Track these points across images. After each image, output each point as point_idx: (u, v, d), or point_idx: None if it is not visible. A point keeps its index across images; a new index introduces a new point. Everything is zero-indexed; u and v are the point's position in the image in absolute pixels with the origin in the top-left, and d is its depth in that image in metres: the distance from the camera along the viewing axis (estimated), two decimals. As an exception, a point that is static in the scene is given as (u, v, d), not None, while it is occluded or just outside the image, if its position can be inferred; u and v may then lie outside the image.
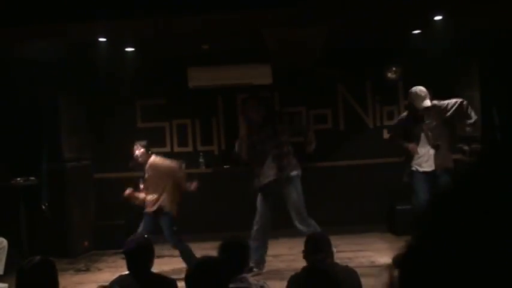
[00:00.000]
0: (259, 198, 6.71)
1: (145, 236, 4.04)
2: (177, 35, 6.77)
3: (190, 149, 9.09)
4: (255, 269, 6.47)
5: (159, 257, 6.76)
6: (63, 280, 5.40)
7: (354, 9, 5.76)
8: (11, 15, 5.55)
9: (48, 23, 5.59)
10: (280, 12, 5.56)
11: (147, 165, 6.86)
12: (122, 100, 8.92)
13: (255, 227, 6.69)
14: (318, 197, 8.76)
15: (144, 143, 6.94)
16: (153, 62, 8.32)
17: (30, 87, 7.80)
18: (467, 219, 0.69)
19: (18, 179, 7.76)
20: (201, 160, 8.96)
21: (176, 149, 9.06)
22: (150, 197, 6.80)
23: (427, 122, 6.52)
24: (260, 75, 8.40)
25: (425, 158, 6.56)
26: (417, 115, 6.55)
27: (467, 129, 6.61)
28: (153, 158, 6.91)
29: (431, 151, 6.51)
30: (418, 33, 7.57)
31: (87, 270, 7.59)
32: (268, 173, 6.60)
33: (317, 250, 3.84)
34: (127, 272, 3.91)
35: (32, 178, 7.83)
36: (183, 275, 3.23)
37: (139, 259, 3.84)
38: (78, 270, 7.52)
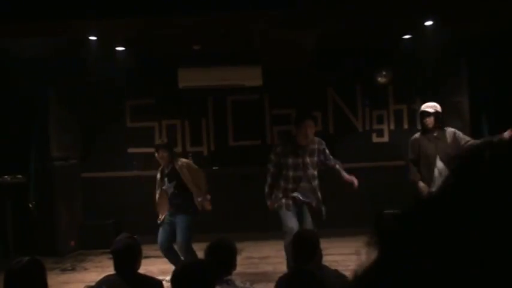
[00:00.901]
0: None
1: (134, 236, 4.01)
2: (168, 35, 6.76)
3: (179, 149, 9.06)
4: None
5: (145, 257, 6.74)
6: (49, 279, 5.32)
7: (346, 13, 5.78)
8: (1, 12, 5.52)
9: (39, 21, 5.56)
10: (272, 14, 5.57)
11: (180, 165, 6.72)
12: (111, 99, 8.90)
13: None
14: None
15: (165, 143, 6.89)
16: (144, 62, 8.30)
17: (20, 84, 7.76)
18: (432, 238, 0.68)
19: (6, 176, 7.72)
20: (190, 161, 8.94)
21: (165, 149, 9.02)
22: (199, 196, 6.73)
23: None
24: (250, 76, 8.40)
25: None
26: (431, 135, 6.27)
27: None
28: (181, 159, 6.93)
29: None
30: (409, 38, 7.60)
31: (74, 269, 7.55)
32: None
33: (303, 249, 3.86)
34: (114, 272, 3.89)
35: (20, 176, 7.79)
36: (168, 276, 3.22)
37: (127, 259, 3.82)
38: (65, 270, 7.48)
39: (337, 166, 6.49)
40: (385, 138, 9.04)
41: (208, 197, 6.82)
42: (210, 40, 7.34)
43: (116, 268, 3.84)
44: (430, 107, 6.28)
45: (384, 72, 8.56)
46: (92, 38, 6.92)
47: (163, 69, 8.50)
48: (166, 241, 6.64)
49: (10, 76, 7.71)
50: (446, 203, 0.69)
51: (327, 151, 6.49)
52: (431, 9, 6.06)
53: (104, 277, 3.92)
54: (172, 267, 6.96)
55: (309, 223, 6.36)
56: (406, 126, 9.01)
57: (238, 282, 3.70)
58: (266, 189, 6.49)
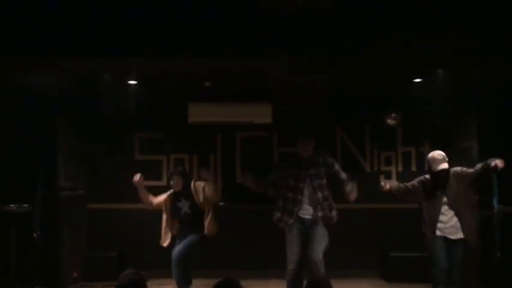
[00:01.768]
0: None
1: (139, 272, 3.99)
2: (181, 74, 6.86)
3: (186, 184, 9.05)
4: None
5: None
6: (50, 311, 5.32)
7: (358, 58, 5.84)
8: (13, 45, 5.61)
9: (50, 56, 5.64)
10: (285, 60, 5.63)
11: (197, 187, 7.05)
12: (121, 131, 8.93)
13: None
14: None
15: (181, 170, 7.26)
16: (154, 96, 8.35)
17: (29, 114, 7.80)
18: None
19: (12, 205, 7.70)
20: (196, 196, 8.92)
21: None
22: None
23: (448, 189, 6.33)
24: (260, 114, 8.43)
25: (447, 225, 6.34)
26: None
27: None
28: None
29: (455, 219, 6.32)
30: (419, 81, 7.64)
31: (76, 302, 7.48)
32: None
33: None
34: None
35: (26, 205, 7.77)
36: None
37: (131, 295, 3.79)
38: (66, 302, 7.42)
39: (348, 178, 6.69)
40: (393, 180, 9.02)
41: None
42: (221, 77, 7.41)
43: (120, 304, 3.81)
44: (444, 160, 6.34)
45: (393, 115, 8.58)
46: (104, 73, 7.01)
47: (174, 104, 8.55)
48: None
49: (19, 105, 7.77)
50: None
51: (336, 166, 6.71)
52: (442, 57, 6.12)
53: (108, 313, 3.88)
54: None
55: (315, 249, 6.34)
56: (414, 168, 8.99)
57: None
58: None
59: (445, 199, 6.30)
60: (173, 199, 7.11)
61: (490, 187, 7.78)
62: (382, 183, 6.79)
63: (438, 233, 6.29)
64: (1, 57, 5.79)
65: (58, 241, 8.24)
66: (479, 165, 6.39)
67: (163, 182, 9.02)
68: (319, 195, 6.48)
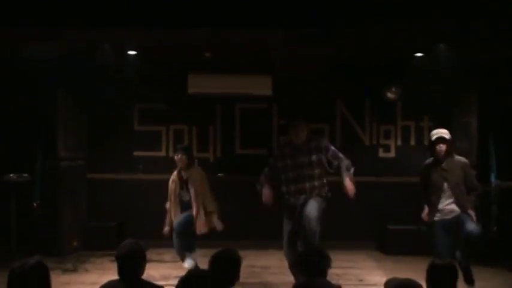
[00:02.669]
0: None
1: (138, 241, 4.01)
2: (182, 44, 6.81)
3: (185, 155, 9.08)
4: None
5: (147, 262, 6.74)
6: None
7: (359, 32, 5.81)
8: (14, 16, 5.57)
9: (51, 27, 5.60)
10: (286, 32, 5.60)
11: (196, 174, 7.01)
12: (120, 102, 8.92)
13: None
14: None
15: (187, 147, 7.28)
16: (154, 66, 8.33)
17: (29, 84, 7.79)
18: None
19: (11, 175, 7.74)
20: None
21: (171, 153, 9.04)
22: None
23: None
24: (260, 85, 8.40)
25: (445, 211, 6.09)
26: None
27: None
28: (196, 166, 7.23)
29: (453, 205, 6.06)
30: (420, 56, 7.60)
31: (75, 270, 7.55)
32: None
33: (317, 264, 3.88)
34: (116, 278, 3.90)
35: (25, 175, 7.81)
36: (171, 281, 3.22)
37: (131, 265, 3.81)
38: (66, 270, 7.48)
39: (343, 167, 6.43)
40: (392, 154, 9.05)
41: (215, 218, 7.09)
42: (221, 48, 7.37)
43: (119, 273, 3.84)
44: (445, 133, 6.06)
45: (393, 88, 8.57)
46: (105, 44, 6.97)
47: (174, 75, 8.52)
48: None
49: (20, 75, 7.75)
50: None
51: (332, 149, 6.45)
52: (444, 33, 6.09)
53: (107, 282, 3.91)
54: (173, 272, 6.99)
55: (310, 210, 6.27)
56: (413, 142, 9.02)
57: (241, 294, 3.71)
58: (258, 186, 6.53)
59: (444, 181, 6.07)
60: (177, 187, 7.05)
61: (488, 162, 7.83)
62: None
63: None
64: (1, 29, 5.75)
65: (58, 211, 8.29)
66: (473, 197, 6.15)
67: (163, 153, 9.06)
68: (307, 185, 6.35)
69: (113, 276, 3.93)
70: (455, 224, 6.01)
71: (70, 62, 7.87)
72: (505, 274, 7.38)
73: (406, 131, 9.04)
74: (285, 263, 6.79)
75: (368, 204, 8.72)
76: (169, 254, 8.10)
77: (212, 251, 3.92)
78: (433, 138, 6.06)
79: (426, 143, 8.86)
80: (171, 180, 7.14)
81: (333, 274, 6.70)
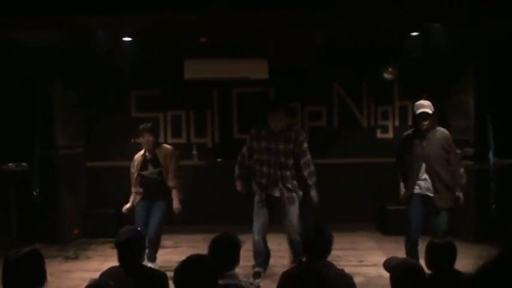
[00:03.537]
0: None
1: (137, 228, 4.03)
2: (176, 29, 6.78)
3: (183, 140, 9.09)
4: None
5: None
6: (51, 267, 5.39)
7: (354, 12, 5.78)
8: (8, 4, 5.55)
9: (46, 15, 5.58)
10: (282, 15, 5.58)
11: (166, 152, 6.83)
12: (117, 89, 8.91)
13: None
14: (309, 193, 8.79)
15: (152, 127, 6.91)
16: (150, 52, 8.30)
17: (26, 72, 7.76)
18: None
19: (10, 164, 7.74)
20: (194, 152, 8.97)
21: (170, 140, 9.05)
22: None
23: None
24: (257, 69, 8.39)
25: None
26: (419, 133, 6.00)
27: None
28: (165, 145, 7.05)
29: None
30: (416, 35, 7.59)
31: (76, 258, 7.59)
32: None
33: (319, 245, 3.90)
34: (117, 264, 3.92)
35: (24, 164, 7.82)
36: (172, 267, 3.23)
37: (130, 252, 3.84)
38: (67, 258, 7.52)
39: (306, 175, 6.37)
40: (390, 135, 9.05)
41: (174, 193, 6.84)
42: (217, 33, 7.35)
43: (120, 260, 3.86)
44: (428, 106, 5.93)
45: (390, 69, 8.55)
46: (99, 31, 6.95)
47: (170, 60, 8.50)
48: (143, 224, 6.63)
49: (16, 64, 7.72)
50: None
51: (304, 146, 6.36)
52: (439, 11, 6.06)
53: (108, 269, 3.94)
54: (174, 257, 7.02)
55: (290, 219, 6.31)
56: (410, 122, 8.99)
57: (241, 277, 3.73)
58: (236, 171, 6.59)
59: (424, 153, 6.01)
60: (143, 163, 6.83)
61: (486, 140, 7.84)
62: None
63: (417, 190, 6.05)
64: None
65: (57, 199, 8.31)
66: (459, 172, 6.07)
67: (161, 139, 9.04)
68: (279, 172, 6.30)
69: (115, 262, 3.95)
70: (430, 206, 6.01)
71: (66, 50, 7.85)
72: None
73: (403, 111, 9.04)
74: (284, 247, 6.82)
75: (367, 185, 8.75)
76: (170, 240, 8.14)
77: (212, 236, 3.93)
78: (417, 112, 5.95)
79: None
80: (135, 164, 6.89)
81: (334, 256, 6.74)
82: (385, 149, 8.94)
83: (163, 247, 7.93)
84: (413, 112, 6.11)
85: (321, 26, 6.41)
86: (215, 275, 3.18)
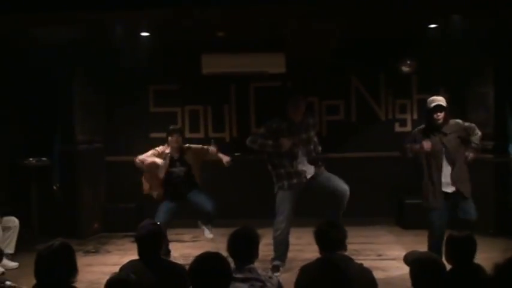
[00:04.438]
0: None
1: (157, 222, 4.07)
2: (194, 23, 6.79)
3: (201, 135, 9.11)
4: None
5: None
6: (73, 262, 5.44)
7: (372, 4, 5.74)
8: (27, 1, 5.60)
9: (64, 10, 5.62)
10: (299, 7, 5.56)
11: (189, 151, 7.07)
12: (135, 84, 8.96)
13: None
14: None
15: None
16: (168, 47, 8.33)
17: (46, 68, 7.83)
18: None
19: (31, 159, 7.83)
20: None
21: (188, 134, 9.07)
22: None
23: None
24: (274, 63, 8.39)
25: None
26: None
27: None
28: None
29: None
30: (434, 27, 7.53)
31: (97, 252, 7.67)
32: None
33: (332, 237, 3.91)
34: (137, 258, 3.95)
35: (44, 159, 7.90)
36: (190, 260, 3.25)
37: (150, 246, 3.87)
38: (87, 252, 7.60)
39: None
40: (408, 128, 8.98)
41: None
42: (234, 27, 7.35)
43: (139, 254, 3.90)
44: (441, 100, 5.93)
45: (408, 62, 8.50)
46: (118, 26, 6.99)
47: (187, 55, 8.52)
48: (164, 220, 6.67)
49: (36, 60, 7.80)
50: None
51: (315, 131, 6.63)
52: (458, 2, 6.01)
53: (128, 262, 3.97)
54: (192, 252, 7.05)
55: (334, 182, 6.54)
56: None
57: (260, 271, 3.74)
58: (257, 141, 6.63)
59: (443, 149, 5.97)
60: (171, 161, 7.01)
61: (506, 133, 7.77)
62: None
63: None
64: (17, 14, 5.78)
65: (77, 193, 8.39)
66: (476, 140, 6.01)
67: (179, 134, 9.09)
68: (308, 159, 6.48)
69: (134, 256, 3.99)
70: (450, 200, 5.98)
71: (85, 46, 7.91)
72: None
73: (422, 104, 8.92)
74: (303, 241, 6.83)
75: (386, 179, 8.71)
76: (189, 234, 8.19)
77: (230, 230, 3.95)
78: (431, 105, 5.92)
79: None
80: (163, 156, 7.02)
81: (352, 250, 6.74)
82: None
83: (182, 241, 8.00)
84: (427, 107, 6.04)
85: (339, 18, 6.38)
86: (229, 273, 3.19)
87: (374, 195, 8.66)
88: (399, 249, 7.14)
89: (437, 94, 8.74)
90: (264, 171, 8.31)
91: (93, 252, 7.65)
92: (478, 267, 3.75)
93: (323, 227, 3.96)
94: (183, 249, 7.44)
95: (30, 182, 7.85)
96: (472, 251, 3.81)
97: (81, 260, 7.12)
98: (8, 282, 4.99)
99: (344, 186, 6.54)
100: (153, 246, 3.88)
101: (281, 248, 6.53)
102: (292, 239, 6.84)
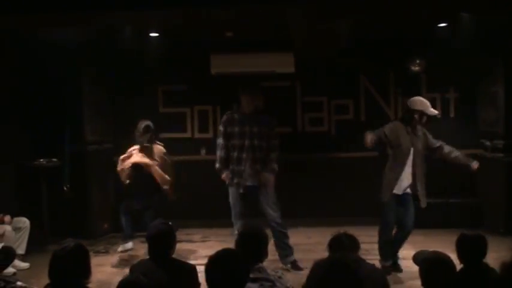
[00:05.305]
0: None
1: (168, 222, 4.08)
2: (203, 24, 6.80)
3: (210, 135, 9.11)
4: None
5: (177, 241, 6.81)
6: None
7: (381, 3, 5.73)
8: (36, 2, 5.62)
9: (74, 11, 5.64)
10: (308, 6, 5.55)
11: (162, 151, 7.32)
12: (144, 85, 8.97)
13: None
14: (336, 188, 8.77)
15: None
16: (177, 48, 8.35)
17: (55, 69, 7.86)
18: None
19: (41, 160, 7.87)
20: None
21: (197, 135, 9.11)
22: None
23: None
24: (283, 63, 8.40)
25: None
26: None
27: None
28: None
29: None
30: (444, 26, 7.50)
31: (107, 252, 7.69)
32: None
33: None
34: (147, 257, 3.97)
35: (55, 160, 7.93)
36: (199, 260, 3.26)
37: (161, 245, 3.89)
38: (98, 252, 7.62)
39: (271, 158, 6.45)
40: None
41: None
42: (243, 27, 7.35)
43: (150, 254, 3.92)
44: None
45: (417, 61, 8.47)
46: (127, 27, 7.01)
47: (196, 56, 8.54)
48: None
49: (46, 61, 7.83)
50: None
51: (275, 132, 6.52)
52: (468, 1, 5.98)
53: (138, 262, 3.99)
54: (202, 252, 7.07)
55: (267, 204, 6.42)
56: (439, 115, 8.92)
57: (269, 270, 3.73)
58: (217, 165, 6.56)
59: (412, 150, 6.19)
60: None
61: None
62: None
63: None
64: (26, 14, 5.81)
65: (87, 194, 8.42)
66: (455, 154, 6.26)
67: (188, 134, 9.11)
68: (259, 155, 6.39)
69: (144, 256, 4.00)
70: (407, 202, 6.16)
71: (94, 46, 7.94)
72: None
73: (431, 103, 8.90)
74: (313, 240, 6.83)
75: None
76: (198, 234, 8.20)
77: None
78: (431, 113, 6.24)
79: (451, 114, 8.80)
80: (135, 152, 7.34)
81: (362, 249, 6.72)
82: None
83: (192, 241, 8.01)
84: (421, 110, 6.27)
85: (348, 17, 6.37)
86: (246, 269, 3.19)
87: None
88: (408, 249, 7.09)
89: (447, 93, 8.84)
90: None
91: (104, 252, 7.67)
92: (488, 267, 3.74)
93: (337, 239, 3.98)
94: (193, 249, 7.45)
95: (41, 182, 7.88)
96: (483, 251, 3.80)
97: (92, 260, 7.08)
98: (19, 283, 5.02)
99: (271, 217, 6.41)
100: (163, 246, 3.89)
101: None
102: (302, 239, 6.85)
